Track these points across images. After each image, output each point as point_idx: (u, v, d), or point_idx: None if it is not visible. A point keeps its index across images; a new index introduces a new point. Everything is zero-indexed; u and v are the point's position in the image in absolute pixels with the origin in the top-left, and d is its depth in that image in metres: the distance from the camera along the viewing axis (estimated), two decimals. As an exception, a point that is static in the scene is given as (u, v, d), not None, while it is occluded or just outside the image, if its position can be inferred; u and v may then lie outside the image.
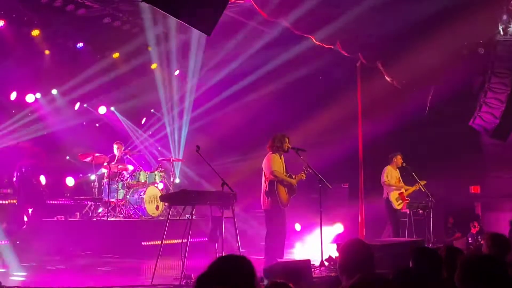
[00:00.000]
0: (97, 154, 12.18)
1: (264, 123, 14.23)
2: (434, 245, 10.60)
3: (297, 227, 13.40)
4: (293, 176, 8.83)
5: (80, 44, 13.32)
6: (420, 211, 11.85)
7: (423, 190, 11.58)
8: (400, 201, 11.53)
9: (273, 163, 8.58)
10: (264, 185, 8.67)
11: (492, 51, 12.52)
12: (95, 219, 11.64)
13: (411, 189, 11.66)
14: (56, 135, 13.43)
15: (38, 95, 13.49)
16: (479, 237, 13.21)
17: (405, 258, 4.68)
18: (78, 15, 12.00)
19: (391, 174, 11.59)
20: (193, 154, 8.61)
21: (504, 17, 12.18)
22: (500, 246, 5.04)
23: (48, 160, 13.04)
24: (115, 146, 12.56)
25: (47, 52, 12.87)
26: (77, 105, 14.12)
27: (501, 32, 12.18)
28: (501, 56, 12.35)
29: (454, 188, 13.93)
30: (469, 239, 13.41)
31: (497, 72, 12.30)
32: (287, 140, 8.85)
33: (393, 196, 11.46)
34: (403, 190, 11.62)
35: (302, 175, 8.88)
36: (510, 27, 12.18)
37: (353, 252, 3.77)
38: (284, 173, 8.76)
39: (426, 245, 10.02)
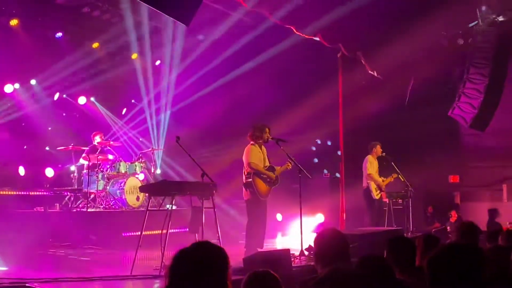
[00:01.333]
0: (77, 145, 12.10)
1: (245, 114, 14.22)
2: (413, 234, 10.72)
3: (279, 217, 13.45)
4: (275, 167, 8.87)
5: (59, 34, 13.16)
6: (399, 200, 11.97)
7: (402, 180, 11.67)
8: (379, 191, 11.60)
9: (251, 155, 8.63)
10: (243, 177, 8.75)
11: (471, 42, 12.63)
12: (74, 210, 11.57)
13: (387, 180, 11.75)
14: (35, 125, 13.29)
15: (16, 85, 13.33)
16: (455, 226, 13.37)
17: (381, 247, 4.73)
18: (57, 5, 11.86)
19: (371, 164, 11.66)
20: (174, 144, 8.59)
21: (483, 8, 12.28)
22: (468, 233, 5.12)
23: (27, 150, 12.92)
24: (95, 137, 12.48)
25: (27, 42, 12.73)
26: (56, 95, 13.97)
27: (480, 23, 12.28)
28: (480, 47, 12.46)
29: (433, 177, 14.06)
30: (448, 228, 13.56)
31: (476, 63, 12.41)
32: (267, 131, 8.88)
33: (373, 186, 11.53)
34: (380, 180, 11.68)
35: (288, 165, 8.93)
36: (489, 18, 12.27)
37: (328, 242, 3.79)
38: (265, 164, 8.79)
39: (405, 234, 10.12)
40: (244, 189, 8.75)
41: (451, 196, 15.33)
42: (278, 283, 3.23)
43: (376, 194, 11.52)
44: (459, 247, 2.70)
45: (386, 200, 12.03)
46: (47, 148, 13.64)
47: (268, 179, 8.74)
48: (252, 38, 12.95)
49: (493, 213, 13.54)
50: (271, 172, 8.81)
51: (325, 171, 14.66)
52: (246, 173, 8.67)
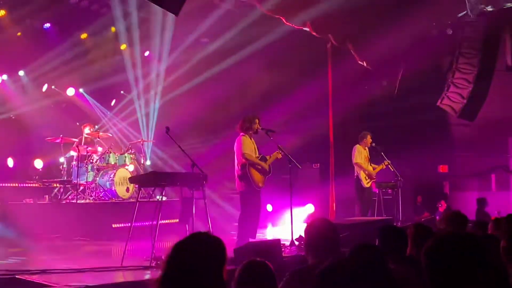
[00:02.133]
0: (66, 137, 12.05)
1: (235, 104, 14.22)
2: (403, 224, 10.76)
3: (269, 207, 13.47)
4: (266, 158, 8.86)
5: (47, 25, 13.07)
6: (389, 190, 12.01)
7: (392, 169, 11.71)
8: (369, 179, 11.62)
9: (244, 146, 8.57)
10: (236, 168, 8.69)
11: (460, 32, 12.67)
12: (64, 202, 11.52)
13: (378, 168, 11.76)
14: (23, 117, 13.21)
15: (4, 76, 13.23)
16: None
17: (372, 237, 4.75)
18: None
19: (360, 153, 11.64)
20: (164, 135, 8.57)
21: (472, -3, 12.31)
22: (456, 222, 5.15)
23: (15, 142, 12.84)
24: (84, 128, 12.42)
25: (19, 34, 12.64)
26: (44, 87, 13.87)
27: (469, 13, 12.31)
28: (469, 37, 12.51)
29: (422, 167, 14.14)
30: (437, 217, 13.63)
31: (465, 53, 12.47)
32: (257, 121, 8.85)
33: (363, 174, 11.54)
34: (370, 168, 11.70)
35: (278, 154, 8.92)
36: (478, 8, 12.30)
37: (318, 232, 3.81)
38: (256, 154, 8.77)
39: (394, 224, 10.17)
40: (238, 180, 8.67)
41: (440, 185, 15.42)
42: (272, 273, 3.24)
43: (366, 183, 11.52)
44: (458, 236, 2.71)
45: (376, 190, 12.06)
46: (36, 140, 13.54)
47: (262, 169, 8.72)
48: (242, 29, 12.88)
49: (481, 202, 13.64)
50: (263, 162, 8.79)
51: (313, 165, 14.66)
52: (240, 164, 8.60)
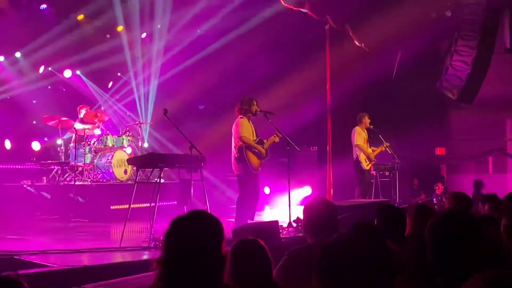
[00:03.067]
0: (63, 118, 12.03)
1: (233, 86, 14.17)
2: (400, 206, 10.79)
3: (266, 190, 13.49)
4: (264, 141, 8.83)
5: (44, 6, 12.98)
6: (386, 172, 12.03)
7: (389, 152, 11.71)
8: (368, 161, 11.61)
9: (242, 128, 8.54)
10: (234, 151, 8.66)
11: (459, 14, 12.62)
12: (62, 184, 11.53)
13: (378, 150, 11.75)
14: (20, 99, 13.17)
15: (1, 57, 13.17)
16: (443, 197, 13.51)
17: (371, 218, 4.75)
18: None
19: (359, 134, 11.60)
20: (161, 117, 8.55)
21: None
22: (462, 203, 5.16)
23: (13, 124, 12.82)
24: (81, 110, 12.39)
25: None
26: (41, 68, 13.81)
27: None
28: (468, 19, 12.48)
29: (420, 150, 14.13)
30: (434, 199, 13.70)
31: (464, 35, 12.44)
32: (255, 103, 8.81)
33: (363, 156, 11.51)
34: (369, 151, 11.68)
35: (275, 137, 8.88)
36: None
37: (317, 211, 3.81)
38: (254, 138, 8.74)
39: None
40: (235, 163, 8.63)
41: (437, 168, 15.45)
42: (265, 251, 3.25)
43: (366, 165, 11.49)
44: (460, 214, 2.73)
45: (373, 172, 12.08)
46: (34, 122, 13.53)
47: (258, 153, 8.70)
48: (241, 9, 12.80)
49: (478, 185, 13.69)
50: (260, 145, 8.77)
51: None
52: (237, 147, 8.56)
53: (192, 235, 2.57)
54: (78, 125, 11.94)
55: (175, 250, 2.57)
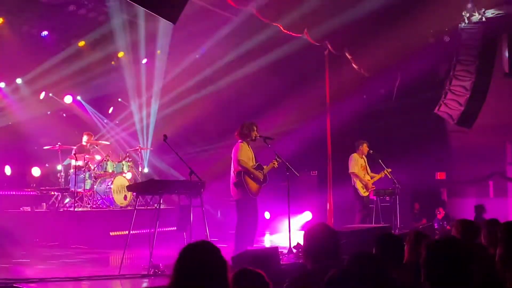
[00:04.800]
0: (63, 144, 12.05)
1: (232, 112, 14.22)
2: (401, 231, 10.74)
3: (267, 215, 13.45)
4: (263, 166, 8.82)
5: (45, 33, 13.08)
6: (387, 197, 11.99)
7: (390, 177, 11.70)
8: (365, 189, 11.58)
9: (240, 153, 8.54)
10: (232, 175, 8.65)
11: (457, 39, 12.69)
12: (62, 210, 11.50)
13: (377, 176, 11.73)
14: (21, 125, 13.20)
15: (2, 84, 13.24)
16: (445, 222, 13.46)
17: (371, 244, 4.73)
18: (42, 3, 11.78)
19: (356, 162, 11.61)
20: (161, 143, 8.56)
21: (469, 5, 12.35)
22: (469, 231, 5.12)
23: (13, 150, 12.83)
24: (84, 137, 12.43)
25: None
26: (42, 95, 13.88)
27: (466, 20, 12.35)
28: (466, 44, 12.53)
29: (420, 174, 14.10)
30: (435, 224, 13.64)
31: (462, 60, 12.49)
32: (255, 128, 8.82)
33: (359, 184, 11.51)
34: (367, 178, 11.66)
35: (274, 163, 8.88)
36: (475, 15, 12.35)
37: (318, 236, 3.78)
38: (253, 163, 8.74)
39: (392, 231, 10.15)
40: (234, 188, 8.60)
41: (438, 192, 15.41)
42: (266, 281, 3.23)
43: (363, 192, 11.50)
44: (456, 242, 2.73)
45: (374, 197, 12.05)
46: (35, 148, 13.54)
47: (255, 178, 8.68)
48: (240, 35, 12.88)
49: (479, 209, 13.65)
50: (259, 170, 8.75)
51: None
52: (235, 171, 8.56)
53: (201, 263, 2.63)
54: (78, 151, 11.96)
55: (185, 280, 2.62)
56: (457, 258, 2.63)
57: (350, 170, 11.52)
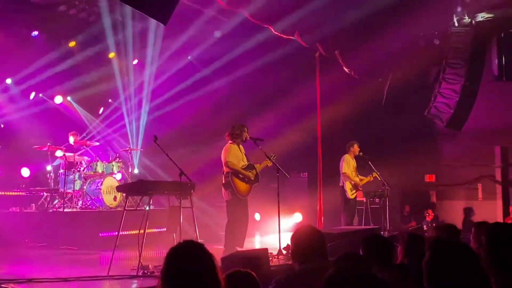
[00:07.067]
0: (51, 144, 11.99)
1: (223, 113, 14.21)
2: (390, 233, 10.79)
3: (257, 216, 13.46)
4: (255, 166, 8.86)
5: (35, 33, 13.02)
6: (376, 199, 12.04)
7: (379, 179, 11.74)
8: (354, 190, 11.61)
9: (229, 154, 8.61)
10: (222, 176, 8.72)
11: (447, 42, 12.76)
12: (51, 211, 11.45)
13: (365, 179, 11.76)
14: (10, 125, 13.13)
15: (-9, 84, 13.17)
16: (433, 224, 13.52)
17: (359, 246, 4.75)
18: (33, 3, 11.73)
19: (348, 163, 11.65)
20: (151, 144, 8.55)
21: (459, 8, 12.41)
22: (449, 234, 5.14)
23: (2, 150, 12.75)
24: (71, 137, 12.36)
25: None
26: (32, 95, 13.81)
27: (456, 24, 12.42)
28: (456, 48, 12.59)
29: (409, 177, 14.18)
30: (424, 226, 13.70)
31: (452, 63, 12.54)
32: (245, 130, 8.89)
33: (348, 185, 11.53)
34: (357, 179, 11.68)
35: (267, 162, 8.94)
36: (465, 18, 12.41)
37: (305, 239, 3.80)
38: (244, 163, 8.78)
39: (382, 233, 10.19)
40: (223, 189, 8.71)
41: (427, 195, 15.48)
42: (257, 282, 3.24)
43: (350, 194, 11.51)
44: (456, 245, 2.74)
45: (363, 199, 12.08)
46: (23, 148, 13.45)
47: (245, 178, 8.72)
48: (231, 37, 12.89)
49: (468, 211, 13.73)
50: (250, 170, 8.79)
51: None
52: (224, 172, 8.64)
53: (189, 264, 2.63)
54: (67, 152, 11.91)
55: (173, 278, 2.63)
56: (469, 261, 2.63)
57: (343, 171, 11.54)
